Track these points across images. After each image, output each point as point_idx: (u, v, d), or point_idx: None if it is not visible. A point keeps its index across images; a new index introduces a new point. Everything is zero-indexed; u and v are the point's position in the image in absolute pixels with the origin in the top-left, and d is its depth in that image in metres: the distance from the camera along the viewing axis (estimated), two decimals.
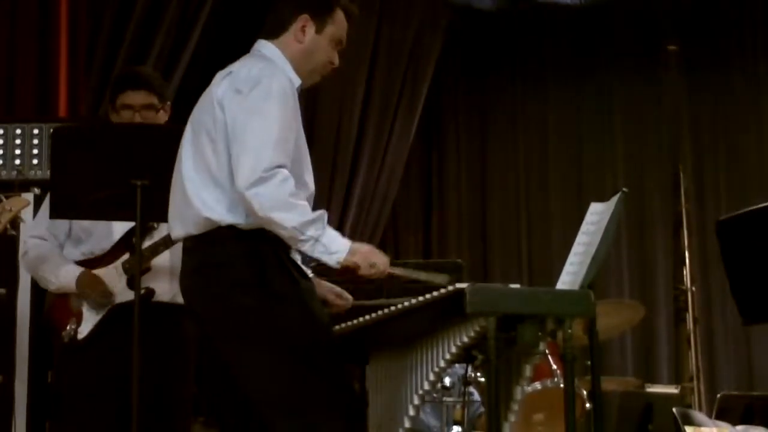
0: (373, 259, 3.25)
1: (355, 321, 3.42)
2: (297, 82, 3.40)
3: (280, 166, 3.18)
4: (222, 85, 3.34)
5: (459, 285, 3.09)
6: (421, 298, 3.17)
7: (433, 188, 8.27)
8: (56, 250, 4.15)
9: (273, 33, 3.45)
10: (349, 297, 3.69)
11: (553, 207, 7.95)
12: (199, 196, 3.30)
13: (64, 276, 4.08)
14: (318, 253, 3.20)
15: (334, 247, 3.21)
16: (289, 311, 3.22)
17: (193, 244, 3.34)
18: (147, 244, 3.99)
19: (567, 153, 8.03)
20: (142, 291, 3.85)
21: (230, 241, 3.25)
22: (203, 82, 5.30)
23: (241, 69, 3.35)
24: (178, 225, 3.39)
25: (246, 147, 3.20)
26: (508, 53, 8.14)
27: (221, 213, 3.26)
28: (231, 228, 3.25)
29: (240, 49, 5.45)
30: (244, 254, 3.23)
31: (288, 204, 3.17)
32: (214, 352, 3.35)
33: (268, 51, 3.45)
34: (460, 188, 8.22)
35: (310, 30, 3.45)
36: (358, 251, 3.23)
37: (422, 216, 8.21)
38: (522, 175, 8.11)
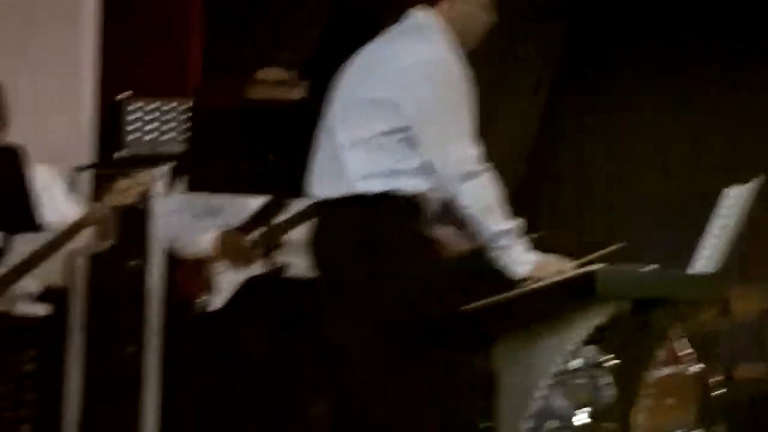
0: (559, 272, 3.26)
1: (484, 300, 3.48)
2: (458, 50, 3.35)
3: (485, 162, 3.22)
4: (387, 67, 3.31)
5: (590, 267, 3.12)
6: (551, 280, 3.21)
7: (558, 167, 8.19)
8: (194, 220, 4.30)
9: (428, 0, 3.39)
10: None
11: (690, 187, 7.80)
12: (352, 162, 3.30)
13: (202, 240, 4.22)
14: (503, 261, 3.25)
15: (522, 258, 3.25)
16: (417, 286, 3.26)
17: (335, 209, 3.35)
18: (281, 218, 4.10)
19: (703, 132, 7.90)
20: (275, 265, 3.98)
21: (375, 212, 3.28)
22: (336, 56, 5.49)
23: (406, 52, 3.32)
24: (326, 188, 3.39)
25: (445, 136, 3.23)
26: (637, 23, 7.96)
27: (371, 180, 3.28)
28: (379, 196, 3.28)
29: (370, 21, 5.61)
30: (385, 227, 3.27)
31: (496, 208, 3.22)
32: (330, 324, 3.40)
33: (423, 20, 3.39)
34: (586, 166, 8.11)
35: None
36: (545, 266, 3.27)
37: (545, 194, 8.11)
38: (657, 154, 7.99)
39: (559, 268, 3.26)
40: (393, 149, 3.26)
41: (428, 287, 3.26)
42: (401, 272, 3.24)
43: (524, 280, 3.22)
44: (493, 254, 3.25)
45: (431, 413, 3.22)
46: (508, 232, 3.24)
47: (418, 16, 3.40)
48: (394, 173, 3.27)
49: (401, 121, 3.26)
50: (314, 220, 3.48)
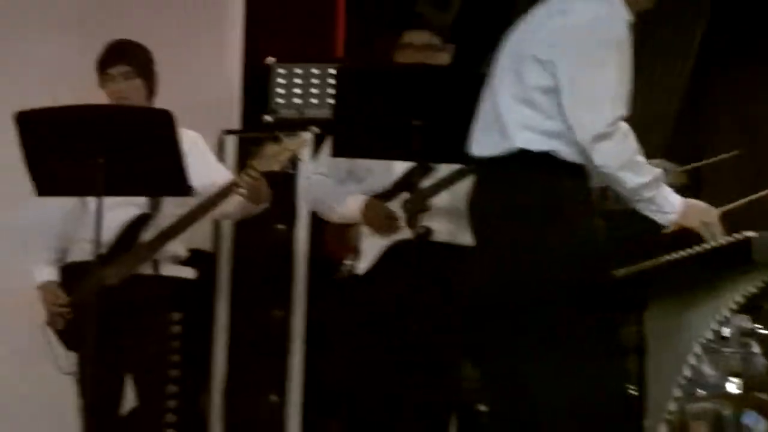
0: (704, 217, 3.27)
1: (636, 266, 3.45)
2: (629, 18, 3.33)
3: (621, 119, 3.21)
4: (553, 22, 3.29)
5: (746, 233, 3.06)
6: (705, 246, 3.17)
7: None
8: (338, 185, 4.35)
9: None
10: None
11: None
12: (511, 119, 3.30)
13: (350, 204, 4.26)
14: (650, 212, 3.25)
15: (667, 207, 3.25)
16: (577, 253, 3.25)
17: (497, 166, 3.35)
18: (426, 183, 4.12)
19: None
20: (420, 230, 3.99)
21: (535, 170, 3.28)
22: (479, 19, 5.43)
23: (574, 10, 3.29)
24: (486, 146, 3.39)
25: (584, 97, 3.21)
26: None
27: (534, 139, 3.28)
28: (540, 155, 3.27)
29: None
30: (545, 185, 3.27)
31: (632, 163, 3.22)
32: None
33: None
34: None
35: None
36: (690, 211, 3.26)
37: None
38: None
39: (704, 214, 3.26)
40: (550, 110, 3.26)
41: (588, 249, 3.26)
42: (563, 233, 3.24)
43: (676, 238, 3.21)
44: (638, 206, 3.25)
45: (584, 374, 3.21)
46: (648, 184, 3.23)
47: None
48: (553, 134, 3.26)
49: (556, 81, 3.25)
50: (474, 179, 3.49)
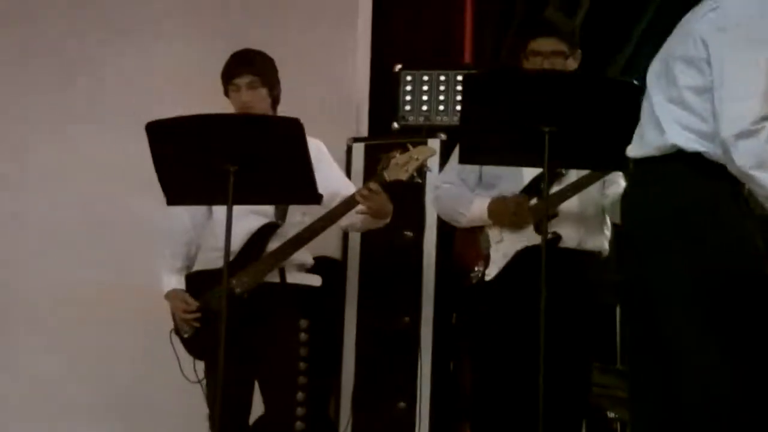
0: None
1: None
2: None
3: (766, 119, 3.15)
4: (705, 21, 3.26)
5: None
6: None
7: None
8: (467, 192, 4.35)
9: None
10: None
11: None
12: (669, 119, 3.28)
13: (476, 207, 4.26)
14: None
15: None
16: (733, 251, 3.21)
17: (649, 167, 3.35)
18: (555, 189, 4.11)
19: None
20: (549, 236, 3.97)
21: (690, 170, 3.25)
22: (605, 25, 5.38)
23: (724, 7, 3.26)
24: (640, 145, 3.39)
25: (732, 94, 3.16)
26: None
27: (689, 139, 3.25)
28: (694, 155, 3.24)
29: None
30: (700, 185, 3.24)
31: None
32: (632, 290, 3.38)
33: None
34: None
35: None
36: None
37: None
38: None
39: None
40: (703, 111, 3.23)
41: (743, 249, 3.21)
42: (718, 234, 3.21)
43: None
44: None
45: (747, 373, 3.16)
46: None
47: None
48: (707, 136, 3.22)
49: (708, 80, 3.22)
50: (630, 179, 3.49)
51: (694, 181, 3.23)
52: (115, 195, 5.30)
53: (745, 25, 3.19)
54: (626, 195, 3.46)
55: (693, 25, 3.29)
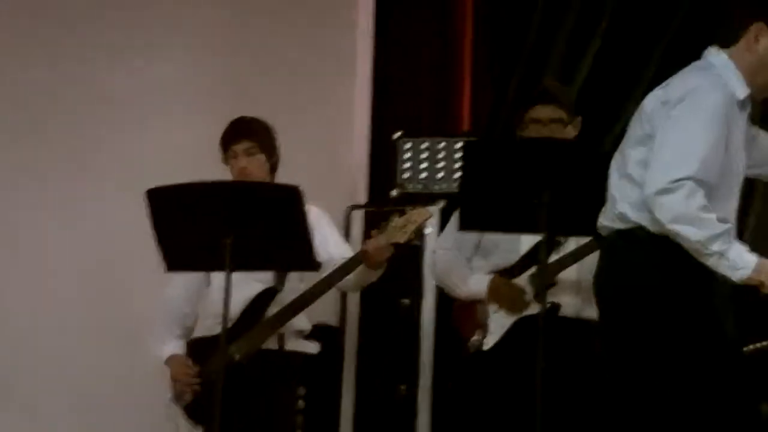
0: None
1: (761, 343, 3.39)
2: (743, 93, 3.39)
3: (688, 179, 3.24)
4: (653, 97, 3.43)
5: None
6: None
7: None
8: (464, 262, 4.34)
9: (723, 42, 3.44)
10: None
11: None
12: (617, 193, 3.44)
13: (475, 283, 4.26)
14: (722, 268, 3.23)
15: (740, 262, 3.24)
16: (695, 323, 3.27)
17: (610, 240, 3.47)
18: (553, 258, 4.10)
19: None
20: (548, 305, 3.95)
21: (641, 243, 3.35)
22: (601, 94, 5.42)
23: (675, 79, 3.42)
24: (602, 218, 3.53)
25: (659, 156, 3.30)
26: None
27: (633, 211, 3.37)
28: (641, 229, 3.35)
29: (641, 59, 5.47)
30: (653, 257, 3.33)
31: (693, 217, 3.23)
32: (613, 363, 3.45)
33: (715, 60, 3.45)
34: None
35: (765, 40, 3.41)
36: (765, 268, 3.25)
37: None
38: None
39: None
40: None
41: (709, 322, 3.29)
42: (679, 312, 3.28)
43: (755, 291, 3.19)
44: (708, 261, 3.23)
45: None
46: (715, 236, 3.23)
47: (710, 54, 3.46)
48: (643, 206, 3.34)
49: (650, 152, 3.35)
50: (600, 252, 3.56)
51: (645, 259, 3.33)
52: (113, 262, 5.25)
53: (685, 97, 3.32)
54: (596, 274, 3.56)
55: (644, 103, 3.43)
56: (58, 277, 5.17)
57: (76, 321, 5.17)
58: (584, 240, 4.09)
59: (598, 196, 3.65)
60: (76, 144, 5.26)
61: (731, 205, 3.40)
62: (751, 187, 4.08)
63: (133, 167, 5.17)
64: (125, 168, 5.22)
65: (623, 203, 3.40)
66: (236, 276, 3.91)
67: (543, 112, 4.22)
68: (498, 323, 4.20)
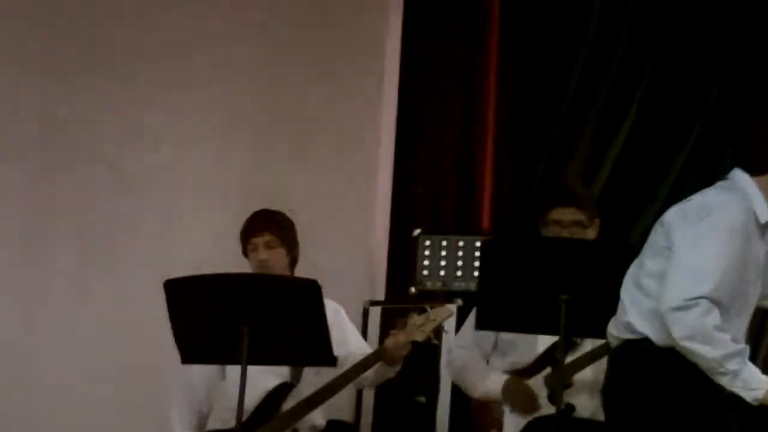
0: None
1: None
2: (766, 217, 3.42)
3: (704, 297, 3.29)
4: (675, 210, 3.48)
5: None
6: None
7: None
8: (481, 360, 4.35)
9: (750, 168, 3.49)
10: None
11: None
12: (628, 302, 3.48)
13: (491, 382, 4.25)
14: (736, 387, 3.27)
15: (754, 383, 3.28)
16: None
17: (617, 351, 3.51)
18: (570, 359, 4.09)
19: None
20: (563, 406, 3.94)
21: (647, 355, 3.40)
22: (622, 195, 5.43)
23: (698, 196, 3.47)
24: (611, 327, 3.56)
25: (676, 272, 3.34)
26: None
27: (641, 322, 3.41)
28: (647, 341, 3.39)
29: (666, 156, 5.47)
30: (659, 371, 3.37)
31: (708, 336, 3.29)
32: None
33: (740, 181, 3.48)
34: None
35: None
36: None
37: None
38: None
39: None
40: (656, 292, 3.39)
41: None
42: (687, 424, 3.32)
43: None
44: (722, 380, 3.28)
45: None
46: (729, 355, 3.26)
47: (735, 175, 3.50)
48: (653, 315, 3.39)
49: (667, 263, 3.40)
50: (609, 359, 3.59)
51: (656, 371, 3.37)
52: (130, 352, 5.23)
53: (705, 212, 3.38)
54: (604, 383, 3.63)
55: (665, 216, 3.47)
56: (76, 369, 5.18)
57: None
58: (600, 341, 4.04)
59: (615, 297, 3.63)
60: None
61: (743, 325, 3.44)
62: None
63: (160, 250, 5.22)
64: (151, 248, 5.27)
65: (632, 313, 3.43)
66: (252, 369, 3.91)
67: (563, 214, 4.25)
68: (513, 422, 4.20)
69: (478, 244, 5.14)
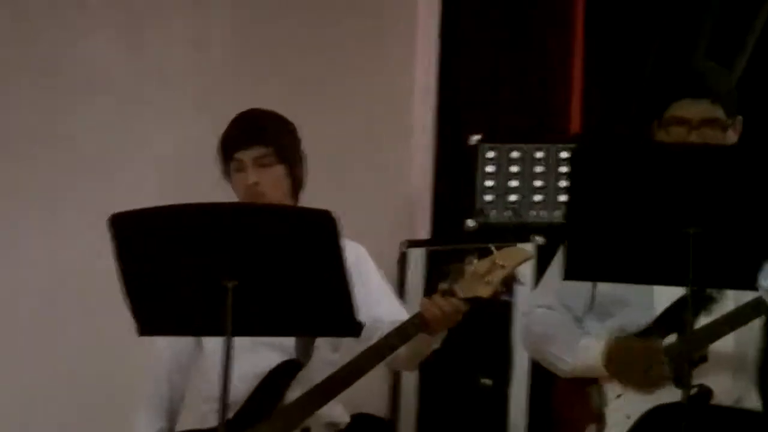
0: None
1: None
2: None
3: None
4: None
5: None
6: None
7: None
8: (571, 323, 4.34)
9: None
10: None
11: None
12: None
13: (585, 351, 4.24)
14: None
15: None
16: None
17: None
18: (703, 321, 4.08)
19: None
20: (693, 390, 3.93)
21: None
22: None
23: None
24: (763, 277, 3.62)
25: None
26: None
27: None
28: None
29: None
30: None
31: None
32: None
33: None
34: None
35: None
36: None
37: None
38: None
39: None
40: None
41: None
42: None
43: None
44: None
45: None
46: None
47: None
48: None
49: None
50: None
51: None
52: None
53: None
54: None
55: None
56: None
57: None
58: (748, 296, 4.07)
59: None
60: None
61: None
62: None
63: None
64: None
65: None
66: (242, 342, 3.92)
67: (691, 109, 4.23)
68: (621, 412, 4.20)
69: (565, 154, 5.20)
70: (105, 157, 5.62)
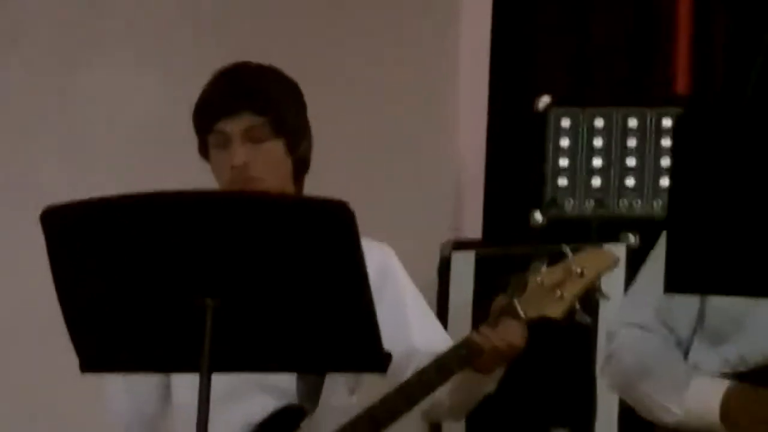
0: None
1: None
2: None
3: None
4: None
5: None
6: None
7: None
8: (675, 352, 4.24)
9: None
10: None
11: None
12: None
13: (696, 395, 4.16)
14: None
15: None
16: None
17: None
18: None
19: None
20: None
21: None
22: None
23: None
24: None
25: None
26: None
27: None
28: None
29: None
30: None
31: None
32: None
33: None
34: None
35: None
36: None
37: None
38: None
39: None
40: None
41: None
42: None
43: None
44: None
45: None
46: None
47: None
48: None
49: None
50: None
51: None
52: None
53: None
54: None
55: None
56: None
57: None
58: None
59: None
60: None
61: None
62: None
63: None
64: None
65: None
66: (226, 383, 3.90)
67: None
68: None
69: (668, 122, 5.05)
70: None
